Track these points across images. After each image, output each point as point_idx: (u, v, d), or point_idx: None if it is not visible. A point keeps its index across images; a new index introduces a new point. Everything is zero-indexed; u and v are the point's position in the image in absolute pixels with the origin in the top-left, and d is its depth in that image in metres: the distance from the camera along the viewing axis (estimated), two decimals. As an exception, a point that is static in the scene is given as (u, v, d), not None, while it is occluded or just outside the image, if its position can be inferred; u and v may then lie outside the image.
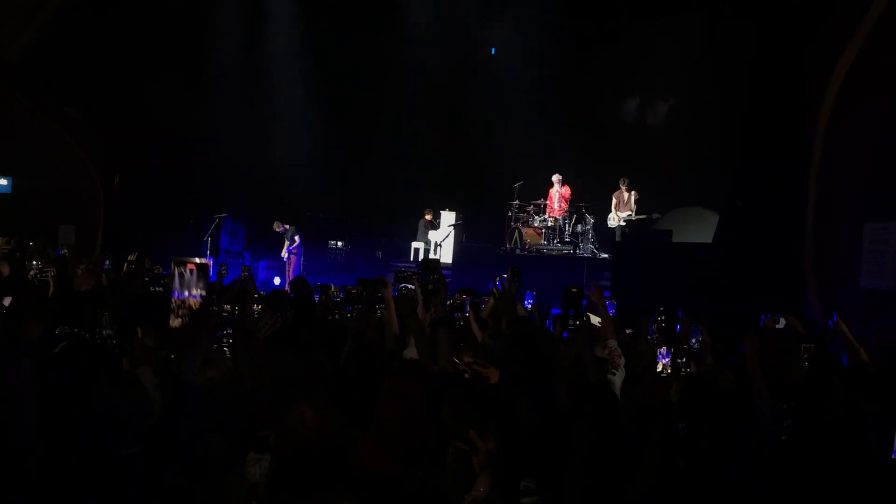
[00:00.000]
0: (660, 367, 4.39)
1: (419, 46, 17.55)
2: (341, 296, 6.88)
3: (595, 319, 4.70)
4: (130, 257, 6.25)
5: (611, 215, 15.15)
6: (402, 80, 18.42)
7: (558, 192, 15.58)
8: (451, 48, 17.91)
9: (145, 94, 14.64)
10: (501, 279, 5.02)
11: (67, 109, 14.61)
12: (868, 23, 7.77)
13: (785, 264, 9.02)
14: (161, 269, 6.03)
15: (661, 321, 6.26)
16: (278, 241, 16.69)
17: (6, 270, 6.09)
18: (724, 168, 14.03)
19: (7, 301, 4.45)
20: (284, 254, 16.31)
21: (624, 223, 14.85)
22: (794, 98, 9.64)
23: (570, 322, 3.78)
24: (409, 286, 4.53)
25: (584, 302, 4.24)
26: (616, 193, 15.09)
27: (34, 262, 6.86)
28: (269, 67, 17.84)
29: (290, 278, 15.00)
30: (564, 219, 15.45)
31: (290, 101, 17.82)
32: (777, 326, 6.01)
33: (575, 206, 15.51)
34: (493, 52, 19.41)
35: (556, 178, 15.66)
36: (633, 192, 14.87)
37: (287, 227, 16.41)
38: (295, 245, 16.20)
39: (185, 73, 15.72)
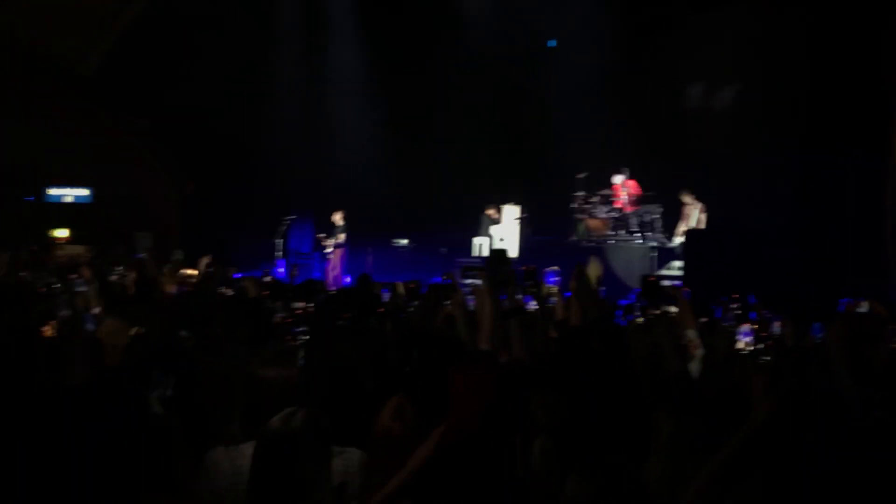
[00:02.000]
0: (742, 345, 4.26)
1: (477, 40, 17.51)
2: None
3: (672, 309, 4.61)
4: (205, 260, 6.43)
5: (676, 234, 14.15)
6: (460, 75, 18.43)
7: (625, 190, 15.26)
8: (508, 41, 17.83)
9: (212, 104, 15.01)
10: (553, 272, 5.01)
11: (140, 120, 15.13)
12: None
13: (864, 246, 8.70)
14: (236, 272, 6.19)
15: (737, 308, 6.11)
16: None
17: (87, 274, 6.34)
18: (794, 151, 13.56)
19: (97, 310, 4.62)
20: (328, 249, 15.91)
21: None
22: (869, 73, 9.27)
23: (650, 312, 3.71)
24: (477, 282, 4.52)
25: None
26: (684, 209, 14.08)
27: (115, 268, 7.13)
28: (328, 68, 18.05)
29: (337, 275, 15.15)
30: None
31: (350, 101, 18.03)
32: (859, 310, 5.77)
33: (642, 196, 15.24)
34: (549, 44, 19.26)
35: (618, 178, 15.31)
36: (699, 206, 13.74)
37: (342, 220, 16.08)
38: (337, 242, 15.86)
39: (249, 81, 16.09)
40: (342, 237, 15.84)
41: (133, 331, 3.99)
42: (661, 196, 15.24)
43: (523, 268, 4.65)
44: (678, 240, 14.08)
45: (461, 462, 1.91)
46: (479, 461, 1.94)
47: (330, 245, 15.87)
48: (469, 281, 4.78)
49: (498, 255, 4.58)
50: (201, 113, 15.01)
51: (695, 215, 13.83)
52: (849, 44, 10.32)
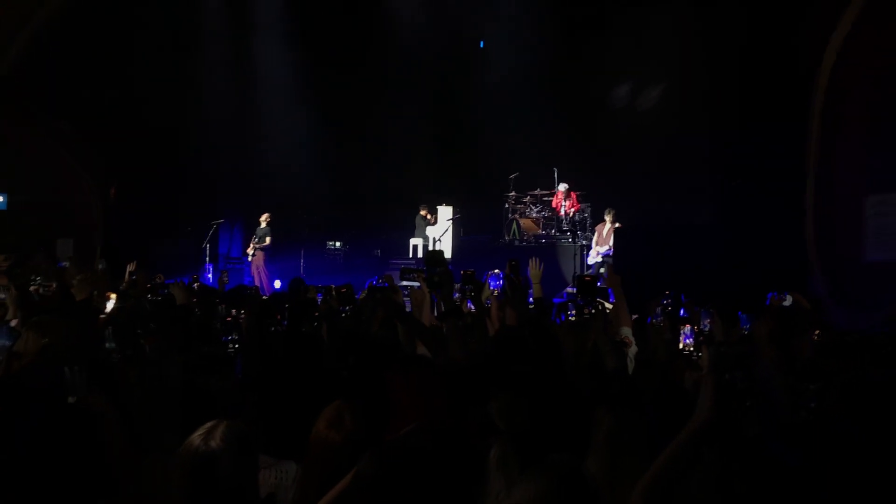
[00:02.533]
0: (681, 346, 4.34)
1: (408, 41, 17.47)
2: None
3: (608, 306, 4.66)
4: (130, 268, 6.20)
5: (591, 252, 14.00)
6: (392, 77, 18.36)
7: (565, 205, 15.33)
8: (439, 42, 17.84)
9: (136, 105, 14.58)
10: (495, 276, 5.00)
11: (59, 122, 14.55)
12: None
13: (786, 241, 9.00)
14: (163, 279, 5.98)
15: (667, 305, 6.22)
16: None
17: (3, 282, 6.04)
18: (721, 148, 13.93)
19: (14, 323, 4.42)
20: (251, 252, 15.41)
21: (600, 259, 13.53)
22: (790, 75, 9.61)
23: (586, 310, 3.73)
24: (415, 284, 4.48)
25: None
26: (599, 226, 13.99)
27: (34, 277, 6.81)
28: (259, 70, 17.73)
29: (264, 280, 14.84)
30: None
31: (281, 103, 17.72)
32: (784, 304, 5.97)
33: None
34: (481, 45, 19.39)
35: (562, 187, 15.39)
36: (614, 224, 13.55)
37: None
38: (262, 245, 15.40)
39: (174, 81, 15.65)
40: (268, 240, 15.42)
41: (44, 341, 3.82)
42: (591, 196, 15.49)
43: (462, 271, 4.63)
44: (591, 258, 13.93)
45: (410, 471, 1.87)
46: (431, 469, 1.90)
47: (251, 248, 15.44)
48: (406, 283, 4.73)
49: (433, 256, 4.54)
50: (124, 114, 14.55)
51: (608, 232, 13.70)
52: (773, 45, 10.65)
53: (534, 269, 5.17)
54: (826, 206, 8.41)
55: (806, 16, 9.13)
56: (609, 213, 13.75)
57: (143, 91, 14.69)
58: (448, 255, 15.93)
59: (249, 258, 15.41)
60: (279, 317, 5.13)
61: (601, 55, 15.98)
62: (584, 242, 14.72)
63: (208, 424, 2.28)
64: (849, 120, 8.23)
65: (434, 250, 12.99)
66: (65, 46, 13.73)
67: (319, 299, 7.58)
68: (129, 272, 6.27)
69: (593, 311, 3.71)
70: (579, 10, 16.44)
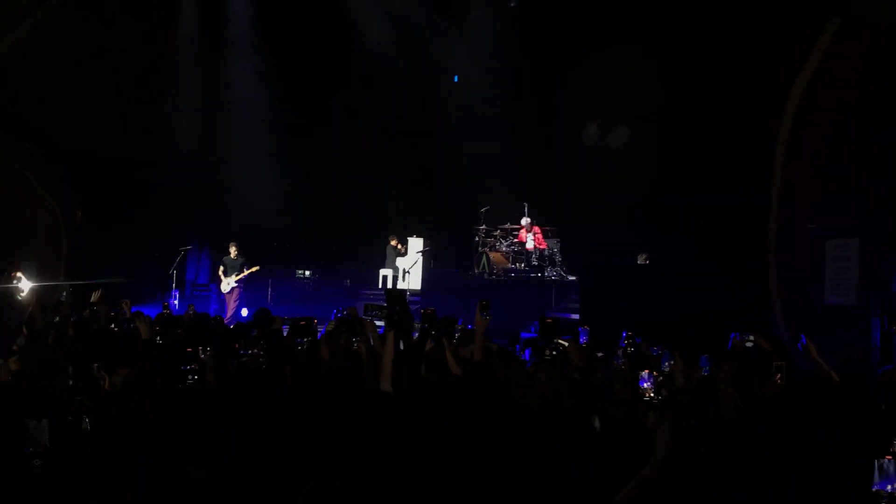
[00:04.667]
0: (640, 391, 4.41)
1: (380, 72, 17.61)
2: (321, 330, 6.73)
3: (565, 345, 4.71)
4: (94, 297, 6.11)
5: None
6: (364, 108, 18.46)
7: (531, 236, 15.54)
8: (412, 74, 18.02)
9: (104, 127, 14.44)
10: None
11: (26, 144, 14.35)
12: (822, 44, 7.98)
13: (748, 283, 9.15)
14: (129, 306, 5.92)
15: (629, 346, 6.30)
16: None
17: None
18: (685, 189, 14.19)
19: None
20: (229, 285, 14.78)
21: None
22: (753, 115, 9.84)
23: (547, 352, 3.77)
24: (379, 322, 4.50)
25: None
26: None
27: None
28: (229, 97, 17.69)
29: (232, 311, 14.51)
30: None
31: (251, 130, 17.72)
32: (746, 345, 6.06)
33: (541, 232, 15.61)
34: (455, 79, 19.62)
35: (524, 221, 15.62)
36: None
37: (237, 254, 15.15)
38: (243, 277, 14.89)
39: (144, 106, 15.56)
40: (251, 270, 14.95)
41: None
42: (561, 231, 15.66)
43: (422, 310, 4.65)
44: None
45: None
46: None
47: (229, 281, 14.84)
48: (370, 319, 4.73)
49: (394, 295, 4.57)
50: (92, 137, 14.37)
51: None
52: (736, 86, 10.92)
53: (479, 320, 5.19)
54: (788, 248, 8.57)
55: (771, 55, 9.38)
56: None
57: (112, 114, 14.57)
58: (417, 286, 15.96)
59: (226, 290, 14.79)
60: (237, 346, 5.08)
61: (572, 94, 16.26)
62: (553, 277, 14.84)
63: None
64: (810, 163, 8.44)
65: (395, 289, 12.96)
66: (32, 68, 13.61)
67: (285, 330, 7.56)
68: (92, 301, 6.18)
69: (554, 352, 3.74)
70: (552, 47, 16.76)
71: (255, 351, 4.68)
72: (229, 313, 14.25)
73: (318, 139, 18.43)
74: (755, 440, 3.41)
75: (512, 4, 16.75)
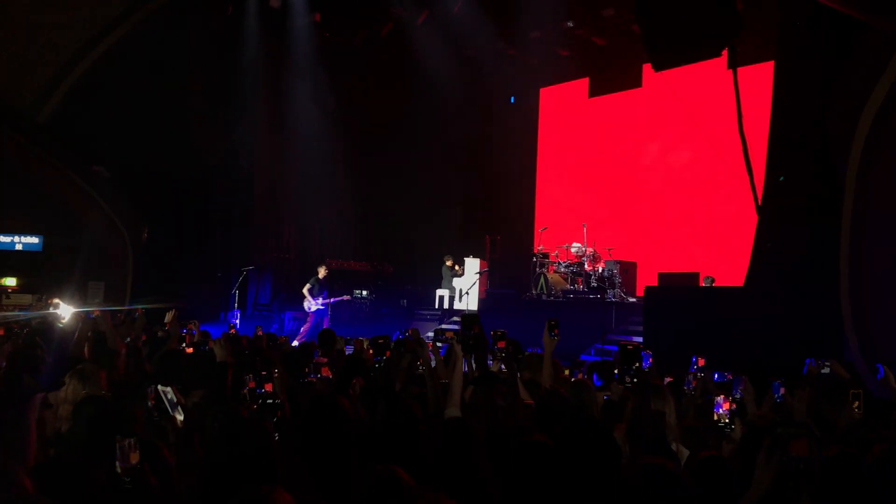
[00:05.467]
0: (716, 417, 4.27)
1: (440, 93, 17.72)
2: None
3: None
4: (168, 317, 6.22)
5: None
6: (423, 129, 18.64)
7: (589, 252, 15.25)
8: (471, 95, 18.12)
9: (171, 149, 14.81)
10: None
11: (96, 168, 14.83)
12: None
13: (821, 306, 8.86)
14: (198, 326, 6.01)
15: (699, 371, 6.14)
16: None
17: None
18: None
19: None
20: (315, 306, 14.94)
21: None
22: (823, 135, 9.57)
23: (628, 380, 3.68)
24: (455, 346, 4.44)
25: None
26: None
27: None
28: (291, 117, 18.01)
29: (308, 332, 14.61)
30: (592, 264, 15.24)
31: (314, 153, 18.00)
32: (822, 371, 5.86)
33: (600, 251, 15.38)
34: (512, 100, 19.67)
35: (581, 243, 15.35)
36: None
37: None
38: (331, 301, 15.13)
39: (208, 128, 15.91)
40: (335, 299, 15.19)
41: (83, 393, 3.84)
42: (620, 252, 15.45)
43: (493, 332, 4.60)
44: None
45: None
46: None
47: (317, 303, 14.98)
48: (440, 344, 4.70)
49: (469, 318, 4.52)
50: (159, 160, 14.75)
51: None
52: (803, 110, 10.65)
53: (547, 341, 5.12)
54: (861, 270, 8.29)
55: (837, 79, 9.15)
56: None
57: (178, 136, 14.94)
58: (475, 307, 15.91)
59: (311, 310, 14.90)
60: (307, 370, 5.12)
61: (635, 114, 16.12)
62: (612, 299, 14.62)
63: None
64: (883, 181, 8.17)
65: (470, 313, 12.96)
66: (102, 91, 14.08)
67: (349, 351, 7.60)
68: (165, 322, 6.30)
69: (634, 379, 3.65)
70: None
71: (323, 375, 4.70)
72: (304, 334, 14.38)
73: (378, 160, 18.65)
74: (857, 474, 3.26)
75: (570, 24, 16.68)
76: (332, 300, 15.04)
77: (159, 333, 6.48)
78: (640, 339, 11.16)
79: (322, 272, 15.23)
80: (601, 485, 2.67)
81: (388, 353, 4.94)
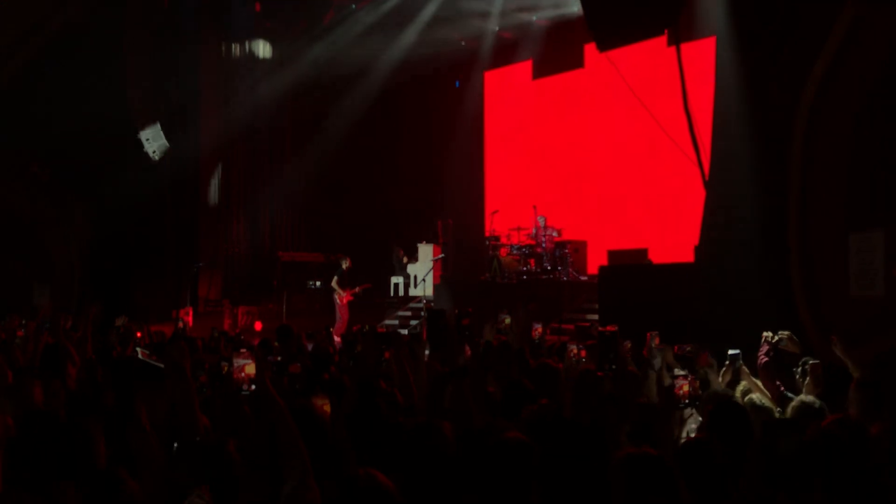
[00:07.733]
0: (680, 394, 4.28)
1: (385, 78, 17.61)
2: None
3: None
4: (119, 321, 6.03)
5: None
6: (369, 115, 18.49)
7: (545, 235, 15.25)
8: (417, 80, 18.04)
9: (113, 144, 14.38)
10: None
11: (34, 166, 14.34)
12: (838, 31, 7.90)
13: (771, 279, 9.03)
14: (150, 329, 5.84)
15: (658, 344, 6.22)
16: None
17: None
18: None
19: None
20: (345, 298, 14.75)
21: None
22: (767, 109, 9.72)
23: (607, 366, 3.68)
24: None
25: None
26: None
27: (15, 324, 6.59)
28: (236, 108, 17.69)
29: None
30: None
31: (260, 142, 17.74)
32: (779, 345, 5.98)
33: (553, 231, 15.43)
34: (457, 84, 19.62)
35: (540, 220, 15.32)
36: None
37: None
38: (357, 292, 14.95)
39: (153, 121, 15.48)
40: (359, 288, 15.04)
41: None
42: (572, 232, 15.58)
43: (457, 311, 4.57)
44: None
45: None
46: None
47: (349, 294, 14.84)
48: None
49: (435, 314, 4.47)
50: (97, 155, 14.27)
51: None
52: (749, 80, 10.81)
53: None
54: (809, 244, 8.47)
55: (782, 51, 9.28)
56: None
57: (120, 130, 14.51)
58: (430, 293, 15.89)
59: (343, 303, 14.76)
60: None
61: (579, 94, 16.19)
62: (565, 278, 14.73)
63: None
64: (828, 155, 8.35)
65: (437, 310, 12.88)
66: (39, 88, 13.60)
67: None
68: (117, 326, 6.11)
69: (613, 366, 3.65)
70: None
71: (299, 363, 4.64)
72: (345, 325, 14.14)
73: (324, 148, 18.42)
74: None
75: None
76: (358, 290, 14.90)
77: (112, 337, 6.27)
78: (596, 317, 11.31)
79: (346, 264, 15.02)
80: (585, 479, 2.66)
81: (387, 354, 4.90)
